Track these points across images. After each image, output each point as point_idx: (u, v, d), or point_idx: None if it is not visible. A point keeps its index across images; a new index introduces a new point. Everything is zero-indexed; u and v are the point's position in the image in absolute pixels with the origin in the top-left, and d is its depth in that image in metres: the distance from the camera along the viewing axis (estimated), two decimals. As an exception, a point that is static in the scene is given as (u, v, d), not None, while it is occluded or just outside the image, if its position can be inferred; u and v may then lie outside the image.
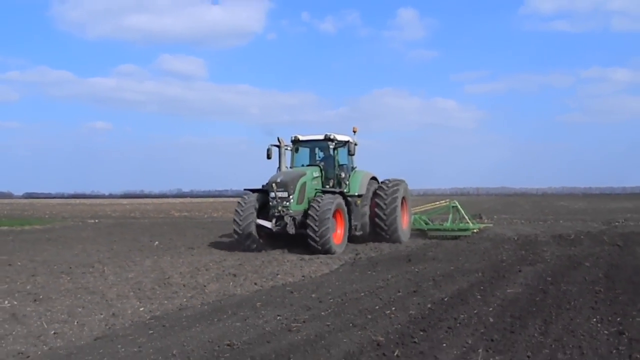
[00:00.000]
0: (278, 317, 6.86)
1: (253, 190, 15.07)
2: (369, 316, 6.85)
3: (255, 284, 9.57)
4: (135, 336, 6.11)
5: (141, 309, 7.55)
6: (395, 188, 16.52)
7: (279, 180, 14.31)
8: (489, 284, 9.06)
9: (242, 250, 14.25)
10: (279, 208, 14.08)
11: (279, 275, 10.42)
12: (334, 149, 16.00)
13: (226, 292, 8.79)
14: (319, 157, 16.64)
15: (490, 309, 7.20)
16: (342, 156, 16.24)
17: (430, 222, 19.65)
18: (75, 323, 6.69)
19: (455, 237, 17.40)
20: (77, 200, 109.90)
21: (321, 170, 15.87)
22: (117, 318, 7.01)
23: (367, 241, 16.11)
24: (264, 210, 14.63)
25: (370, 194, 16.35)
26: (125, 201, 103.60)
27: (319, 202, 13.81)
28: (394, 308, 7.28)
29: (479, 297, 8.01)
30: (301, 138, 16.43)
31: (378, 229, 16.16)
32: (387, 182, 16.93)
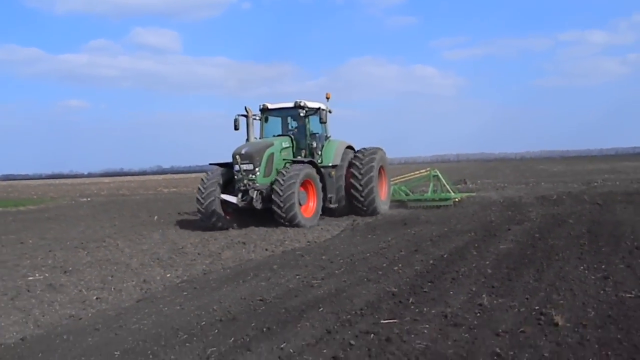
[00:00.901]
0: (297, 277, 7.53)
1: (220, 165, 14.24)
2: (380, 272, 7.55)
3: (266, 249, 10.20)
4: (172, 297, 6.74)
5: (168, 275, 8.16)
6: (371, 157, 15.56)
7: (243, 151, 13.46)
8: (482, 242, 9.82)
9: (208, 229, 13.38)
10: (244, 182, 13.27)
11: (286, 242, 11.07)
12: (305, 117, 15.11)
13: (242, 258, 9.42)
14: (291, 126, 15.79)
15: (487, 262, 7.93)
16: (314, 124, 15.42)
17: (410, 193, 19.24)
18: (112, 289, 7.29)
19: (437, 207, 16.91)
20: (57, 181, 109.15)
21: (292, 140, 15.12)
22: (149, 284, 7.61)
23: (344, 214, 15.37)
24: (230, 185, 13.84)
25: (346, 164, 15.42)
26: (107, 179, 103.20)
27: (284, 173, 13.18)
28: (400, 265, 7.98)
29: (475, 253, 8.74)
30: (270, 106, 15.50)
31: (354, 201, 15.27)
32: (363, 150, 15.98)
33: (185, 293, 6.95)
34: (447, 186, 19.02)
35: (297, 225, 12.98)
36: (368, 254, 9.11)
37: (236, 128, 15.14)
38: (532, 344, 4.42)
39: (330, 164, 15.08)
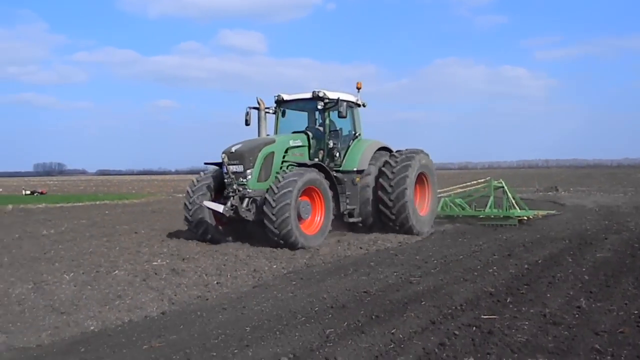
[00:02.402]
0: (395, 273, 8.01)
1: (216, 164, 11.95)
2: (475, 273, 7.89)
3: (361, 248, 10.74)
4: (283, 285, 7.44)
5: (274, 266, 8.88)
6: (406, 163, 12.57)
7: (233, 149, 11.21)
8: (577, 249, 9.86)
9: (200, 240, 11.53)
10: (234, 186, 10.98)
11: (378, 241, 11.54)
12: (323, 110, 12.43)
13: (339, 254, 10.02)
14: (318, 122, 12.91)
15: (584, 269, 8.06)
16: (341, 121, 12.66)
17: (467, 207, 15.69)
18: (228, 276, 8.09)
19: (495, 227, 13.74)
20: (148, 177, 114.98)
21: (309, 139, 12.45)
22: (259, 273, 8.36)
23: (369, 231, 12.51)
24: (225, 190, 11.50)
25: (376, 170, 12.80)
26: (194, 177, 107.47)
27: (280, 179, 10.62)
28: (495, 267, 8.27)
29: (570, 260, 8.86)
30: (286, 97, 13.04)
31: (383, 217, 12.54)
32: (396, 154, 13.03)
33: (294, 282, 7.63)
34: (514, 200, 15.68)
35: (293, 246, 10.34)
36: (461, 256, 9.43)
37: (247, 123, 12.92)
38: (631, 343, 4.68)
39: (354, 169, 12.61)
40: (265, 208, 10.43)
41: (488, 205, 15.01)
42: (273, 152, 11.49)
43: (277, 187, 10.40)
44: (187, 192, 11.82)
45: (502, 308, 5.98)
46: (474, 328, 5.23)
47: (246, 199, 10.90)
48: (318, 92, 12.24)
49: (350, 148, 12.97)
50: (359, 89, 13.37)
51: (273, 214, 10.28)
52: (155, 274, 8.18)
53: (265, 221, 10.42)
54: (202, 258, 9.66)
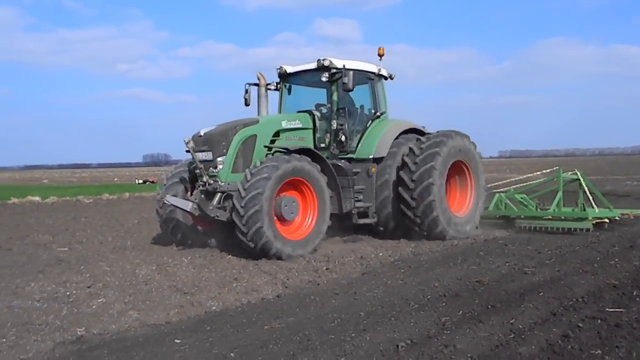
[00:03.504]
0: (507, 264, 7.77)
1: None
2: (595, 265, 7.47)
3: (467, 237, 10.48)
4: (392, 273, 7.46)
5: (380, 254, 8.89)
6: (432, 150, 9.96)
7: (202, 133, 9.28)
8: None
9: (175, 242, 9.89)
10: (204, 179, 9.08)
11: (487, 231, 11.17)
12: (330, 83, 10.18)
13: (445, 244, 9.80)
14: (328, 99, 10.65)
15: None
16: (343, 95, 10.33)
17: (533, 205, 11.95)
18: (336, 262, 8.22)
19: (563, 232, 10.62)
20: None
21: (314, 120, 10.24)
22: (367, 260, 8.42)
23: (391, 236, 10.32)
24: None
25: (400, 159, 10.32)
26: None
27: (252, 169, 8.56)
28: (616, 259, 7.78)
29: (703, 252, 8.15)
30: (290, 70, 10.86)
31: (406, 220, 10.14)
32: (422, 139, 10.42)
33: (402, 270, 7.62)
34: (593, 197, 11.87)
35: (266, 252, 8.30)
36: (577, 247, 8.96)
37: (246, 103, 10.97)
38: None
39: (370, 157, 10.32)
40: (234, 201, 8.40)
41: (554, 203, 11.48)
42: (255, 136, 9.30)
43: (250, 174, 8.41)
44: (162, 185, 10.00)
45: (629, 301, 5.63)
46: (599, 321, 4.98)
47: (218, 194, 8.90)
48: (323, 60, 10.07)
49: (367, 130, 10.64)
50: (381, 56, 10.96)
51: (242, 207, 8.21)
52: (267, 259, 8.45)
53: (234, 218, 8.37)
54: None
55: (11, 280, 7.36)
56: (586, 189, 11.76)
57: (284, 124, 9.82)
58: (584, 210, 11.06)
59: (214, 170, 9.05)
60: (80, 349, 4.82)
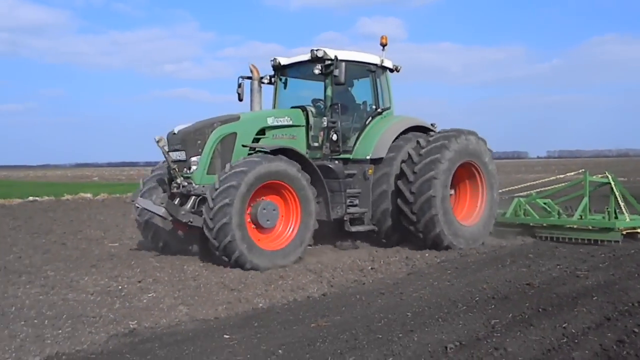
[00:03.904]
0: (558, 266, 7.57)
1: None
2: (651, 269, 7.20)
3: (517, 237, 10.22)
4: (438, 274, 7.38)
5: (426, 254, 8.79)
6: (433, 157, 8.86)
7: (176, 130, 8.66)
8: None
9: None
10: (178, 180, 8.45)
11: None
12: (324, 75, 9.16)
13: (493, 245, 9.60)
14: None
15: None
16: (343, 89, 9.56)
17: (558, 212, 10.32)
18: (382, 262, 8.20)
19: (589, 243, 9.37)
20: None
21: (307, 116, 9.31)
22: (412, 261, 8.33)
23: (392, 244, 9.43)
24: None
25: (400, 161, 9.32)
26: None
27: (221, 176, 7.70)
28: (675, 264, 7.48)
29: None
30: (284, 62, 9.95)
31: (403, 221, 9.15)
32: (427, 136, 9.45)
33: (449, 272, 7.52)
34: (624, 204, 10.12)
35: (241, 265, 7.54)
36: (632, 251, 8.65)
37: (240, 98, 10.23)
38: None
39: (367, 157, 9.39)
40: (204, 211, 7.69)
41: (579, 210, 9.90)
42: (234, 134, 8.50)
43: (219, 181, 7.60)
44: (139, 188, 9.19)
45: (690, 308, 5.40)
46: (658, 327, 4.79)
47: (192, 198, 8.22)
48: (317, 50, 9.06)
49: (367, 129, 9.70)
50: (383, 45, 9.95)
51: (210, 219, 7.49)
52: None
53: (205, 230, 7.67)
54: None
55: (66, 274, 7.62)
56: (618, 194, 10.06)
57: (270, 121, 8.94)
58: (616, 218, 9.63)
59: (188, 172, 8.38)
60: (132, 342, 4.96)
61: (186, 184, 8.32)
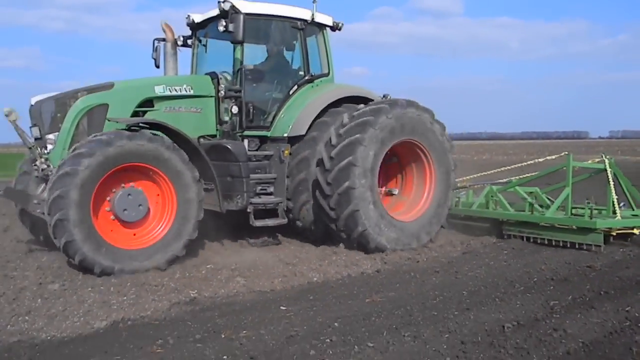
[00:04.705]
0: (621, 250, 7.29)
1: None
2: None
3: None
4: (494, 254, 7.30)
5: (471, 241, 8.60)
6: (353, 137, 7.12)
7: (33, 102, 7.14)
8: None
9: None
10: (37, 162, 6.93)
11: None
12: (228, 32, 7.35)
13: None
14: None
15: None
16: (247, 50, 7.87)
17: (530, 203, 8.00)
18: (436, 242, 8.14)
19: (574, 246, 7.34)
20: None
21: (217, 85, 7.73)
22: (467, 239, 8.22)
23: (319, 241, 7.87)
24: None
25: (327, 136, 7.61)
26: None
27: (61, 161, 6.19)
28: None
29: None
30: (198, 19, 8.28)
31: (324, 218, 7.50)
32: (348, 117, 7.47)
33: (505, 252, 7.41)
34: (630, 197, 8.21)
35: (89, 269, 6.05)
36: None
37: (156, 64, 8.49)
38: None
39: (285, 135, 7.78)
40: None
41: (556, 203, 7.86)
42: (105, 105, 6.82)
43: (58, 167, 6.11)
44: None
45: None
46: None
47: (43, 183, 6.88)
48: (223, 3, 7.39)
49: (290, 100, 8.01)
50: None
51: (48, 214, 5.98)
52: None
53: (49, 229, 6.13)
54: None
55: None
56: (624, 185, 8.17)
57: (159, 90, 7.24)
58: (615, 214, 7.66)
59: (45, 152, 6.84)
60: (193, 310, 5.14)
61: (45, 166, 6.79)
